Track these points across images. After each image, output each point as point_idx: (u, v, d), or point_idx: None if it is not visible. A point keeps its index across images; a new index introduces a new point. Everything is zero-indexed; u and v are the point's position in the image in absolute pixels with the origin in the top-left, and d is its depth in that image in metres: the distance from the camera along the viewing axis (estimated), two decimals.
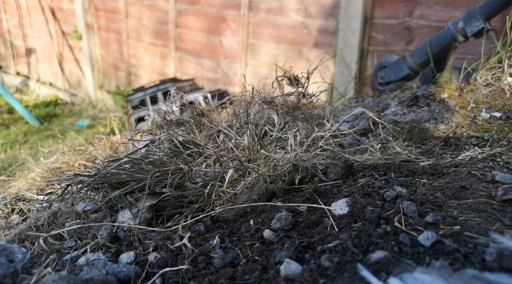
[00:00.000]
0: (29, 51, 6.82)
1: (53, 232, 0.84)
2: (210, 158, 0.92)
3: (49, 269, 0.68)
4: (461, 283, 0.47)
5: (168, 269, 0.66)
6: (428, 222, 0.67)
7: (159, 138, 1.03)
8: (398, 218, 0.69)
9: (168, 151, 0.98)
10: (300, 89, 1.14)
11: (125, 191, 0.92)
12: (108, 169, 0.91)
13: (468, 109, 1.39)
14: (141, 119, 3.96)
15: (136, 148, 1.01)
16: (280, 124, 1.06)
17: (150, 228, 0.83)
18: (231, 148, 0.97)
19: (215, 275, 0.64)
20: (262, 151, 0.95)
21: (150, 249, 0.75)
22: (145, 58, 5.03)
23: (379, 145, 1.31)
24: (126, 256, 0.73)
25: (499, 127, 1.27)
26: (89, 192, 0.96)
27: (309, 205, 0.81)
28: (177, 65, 4.64)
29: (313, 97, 1.17)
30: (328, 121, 1.04)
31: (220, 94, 3.53)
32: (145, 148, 1.01)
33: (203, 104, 1.24)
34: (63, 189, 0.95)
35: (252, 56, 3.94)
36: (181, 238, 0.75)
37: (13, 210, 1.11)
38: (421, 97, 1.46)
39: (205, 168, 0.91)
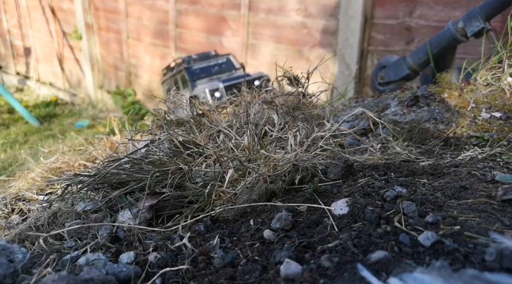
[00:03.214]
0: (29, 51, 6.82)
1: (53, 232, 0.84)
2: (210, 158, 0.92)
3: (49, 269, 0.68)
4: (461, 283, 0.47)
5: (168, 269, 0.66)
6: (428, 222, 0.67)
7: (159, 138, 1.03)
8: (398, 218, 0.69)
9: (168, 151, 0.98)
10: (300, 89, 1.14)
11: (125, 191, 0.92)
12: (108, 169, 0.91)
13: (468, 109, 1.39)
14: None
15: (136, 148, 1.01)
16: (280, 124, 1.06)
17: (150, 228, 0.83)
18: (231, 148, 0.97)
19: (215, 275, 0.64)
20: (262, 151, 0.95)
21: (150, 249, 0.75)
22: (146, 58, 5.03)
23: (379, 145, 1.31)
24: (126, 256, 0.73)
25: (499, 127, 1.27)
26: (89, 192, 0.96)
27: (309, 205, 0.81)
28: None
29: (313, 97, 1.17)
30: (328, 121, 1.04)
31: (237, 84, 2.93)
32: (145, 148, 1.01)
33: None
34: (63, 189, 0.95)
35: (252, 56, 3.94)
36: (181, 238, 0.75)
37: (13, 210, 1.11)
38: (421, 97, 1.46)
39: (205, 168, 0.91)
